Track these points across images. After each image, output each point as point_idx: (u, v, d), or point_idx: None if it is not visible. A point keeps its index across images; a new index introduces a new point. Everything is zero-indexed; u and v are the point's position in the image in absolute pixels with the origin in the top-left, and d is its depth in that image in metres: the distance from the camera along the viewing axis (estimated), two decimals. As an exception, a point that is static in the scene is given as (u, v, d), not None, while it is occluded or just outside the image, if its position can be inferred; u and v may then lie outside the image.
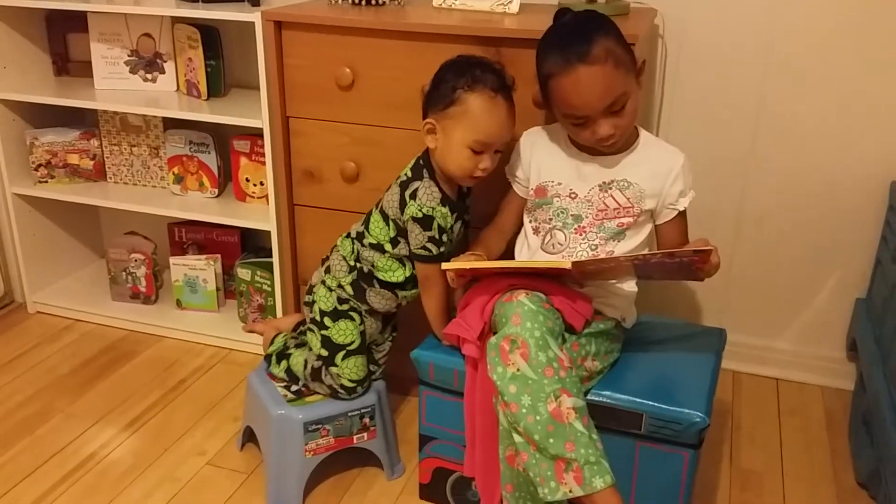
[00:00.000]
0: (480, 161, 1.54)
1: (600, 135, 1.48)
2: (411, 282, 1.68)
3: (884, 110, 1.96)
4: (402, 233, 1.63)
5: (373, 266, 1.68)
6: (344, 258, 1.71)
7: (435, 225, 1.58)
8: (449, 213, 1.59)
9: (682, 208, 1.56)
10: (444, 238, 1.60)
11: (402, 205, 1.60)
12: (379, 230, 1.65)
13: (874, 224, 2.04)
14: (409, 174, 1.61)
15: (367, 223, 1.69)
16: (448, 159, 1.55)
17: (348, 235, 1.73)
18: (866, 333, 1.93)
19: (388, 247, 1.65)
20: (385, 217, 1.64)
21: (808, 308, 2.18)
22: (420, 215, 1.57)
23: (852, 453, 1.90)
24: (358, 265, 1.69)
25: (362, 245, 1.68)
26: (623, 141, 1.53)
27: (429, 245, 1.59)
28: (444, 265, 1.51)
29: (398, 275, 1.67)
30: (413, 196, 1.58)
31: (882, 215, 2.02)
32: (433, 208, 1.57)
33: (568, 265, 1.37)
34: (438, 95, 1.54)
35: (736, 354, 2.21)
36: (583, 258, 1.53)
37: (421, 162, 1.61)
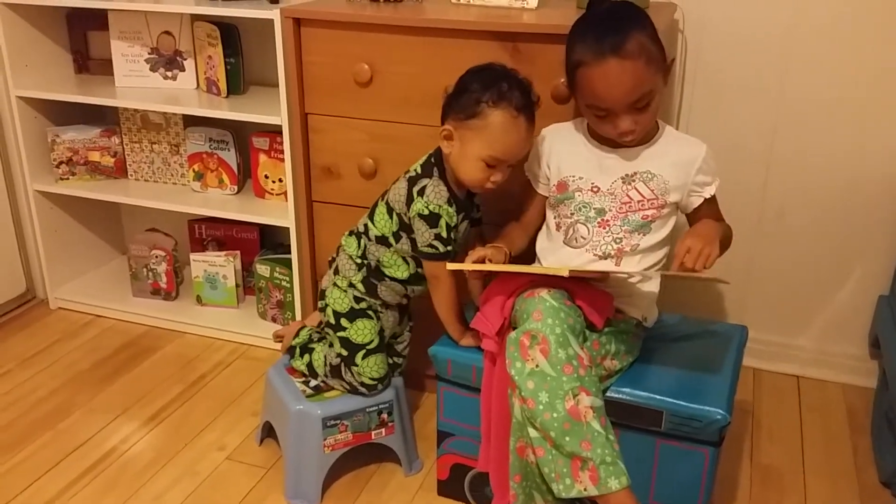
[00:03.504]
0: (492, 174, 1.54)
1: (621, 129, 1.47)
2: (417, 278, 1.68)
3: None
4: (404, 227, 1.62)
5: (379, 262, 1.67)
6: (350, 257, 1.70)
7: (442, 223, 1.57)
8: (455, 213, 1.58)
9: (708, 195, 1.55)
10: (452, 236, 1.59)
11: (409, 200, 1.59)
12: (383, 223, 1.65)
13: (897, 219, 2.01)
14: (419, 170, 1.61)
15: (371, 215, 1.68)
16: (461, 167, 1.55)
17: (352, 233, 1.72)
18: (889, 330, 1.91)
19: (391, 240, 1.65)
20: (390, 210, 1.64)
21: (830, 304, 2.15)
22: (427, 212, 1.57)
23: (875, 452, 1.88)
24: (366, 261, 1.69)
25: (368, 239, 1.68)
26: (642, 135, 1.52)
27: (435, 243, 1.58)
28: (449, 265, 1.52)
29: (402, 271, 1.67)
30: (421, 193, 1.57)
31: (906, 211, 2.00)
32: (440, 206, 1.56)
33: (565, 273, 1.36)
34: (461, 104, 1.52)
35: (756, 351, 2.19)
36: (584, 267, 1.53)
37: (432, 159, 1.61)
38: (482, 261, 1.52)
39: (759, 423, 2.02)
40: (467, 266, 1.50)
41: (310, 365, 1.77)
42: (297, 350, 1.81)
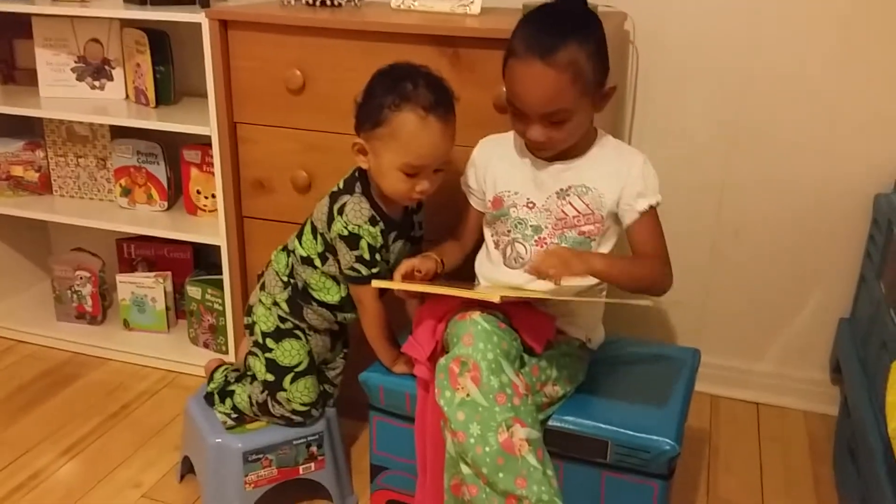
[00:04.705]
0: (416, 183, 1.42)
1: (529, 137, 1.37)
2: (350, 303, 1.56)
3: (868, 120, 1.87)
4: (329, 249, 1.51)
5: (307, 283, 1.56)
6: (277, 273, 1.59)
7: (363, 244, 1.45)
8: (379, 234, 1.47)
9: (640, 209, 1.41)
10: (377, 258, 1.48)
11: (330, 219, 1.48)
12: (309, 243, 1.54)
13: (857, 239, 1.94)
14: (342, 186, 1.50)
15: (299, 234, 1.57)
16: (381, 181, 1.44)
17: (284, 248, 1.61)
18: (850, 355, 1.83)
19: (317, 262, 1.53)
20: (314, 230, 1.53)
21: (789, 328, 2.07)
22: (346, 233, 1.45)
23: (837, 482, 1.79)
24: (292, 281, 1.57)
25: (295, 259, 1.56)
26: (555, 152, 1.41)
27: (357, 266, 1.47)
28: (375, 282, 1.41)
29: (333, 294, 1.55)
30: (340, 211, 1.46)
31: (865, 230, 1.92)
32: (359, 226, 1.45)
33: (496, 299, 1.24)
34: (366, 113, 1.42)
35: (713, 377, 2.10)
36: (520, 290, 1.39)
37: (356, 174, 1.50)
38: (411, 271, 1.41)
39: (717, 453, 1.92)
40: (393, 284, 1.38)
41: (235, 408, 1.62)
42: (216, 396, 1.65)
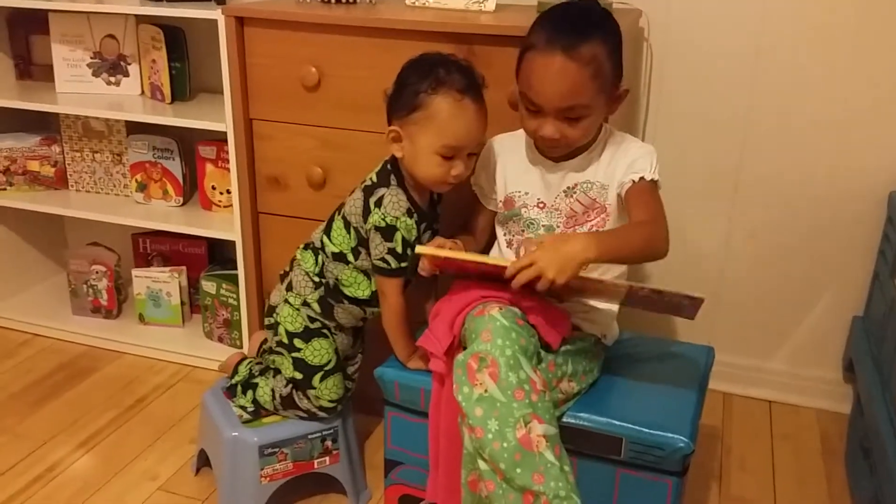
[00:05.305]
0: (452, 167, 1.43)
1: (543, 133, 1.37)
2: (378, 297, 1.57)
3: (882, 117, 1.86)
4: (363, 242, 1.52)
5: (338, 280, 1.56)
6: (307, 273, 1.58)
7: (398, 237, 1.46)
8: (414, 226, 1.48)
9: (630, 179, 1.39)
10: (409, 252, 1.48)
11: (366, 212, 1.48)
12: (341, 238, 1.54)
13: (872, 237, 1.93)
14: (375, 179, 1.51)
15: (328, 230, 1.57)
16: (416, 167, 1.45)
17: (308, 246, 1.60)
18: (864, 353, 1.83)
19: (350, 257, 1.54)
20: (347, 224, 1.53)
21: (803, 326, 2.07)
22: (383, 224, 1.46)
23: (850, 481, 1.79)
24: (323, 280, 1.57)
25: (326, 256, 1.56)
26: (568, 150, 1.42)
27: (388, 258, 1.48)
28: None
29: (364, 289, 1.56)
30: (378, 204, 1.47)
31: (880, 228, 1.92)
32: (397, 218, 1.46)
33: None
34: (401, 100, 1.43)
35: (727, 375, 2.10)
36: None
37: (389, 167, 1.50)
38: (444, 247, 1.41)
39: (730, 451, 1.92)
40: (439, 251, 1.37)
41: (255, 402, 1.63)
42: (239, 388, 1.66)
